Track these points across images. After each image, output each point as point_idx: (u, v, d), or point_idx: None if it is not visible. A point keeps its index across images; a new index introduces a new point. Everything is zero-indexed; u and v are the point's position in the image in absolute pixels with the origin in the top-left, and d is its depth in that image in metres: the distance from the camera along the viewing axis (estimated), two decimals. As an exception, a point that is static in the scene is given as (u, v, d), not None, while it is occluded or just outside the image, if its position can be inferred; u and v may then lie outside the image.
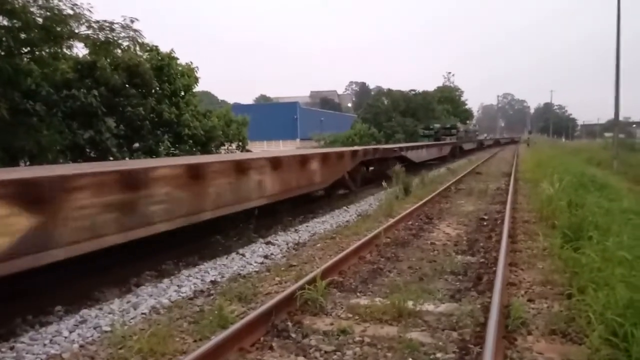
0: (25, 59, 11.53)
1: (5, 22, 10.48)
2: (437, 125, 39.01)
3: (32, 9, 10.54)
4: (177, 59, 16.74)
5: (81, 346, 4.02)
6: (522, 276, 5.53)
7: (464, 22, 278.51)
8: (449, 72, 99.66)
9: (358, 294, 5.08)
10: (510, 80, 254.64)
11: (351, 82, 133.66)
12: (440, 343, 3.80)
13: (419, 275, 5.69)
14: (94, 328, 4.41)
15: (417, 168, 19.35)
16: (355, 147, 15.40)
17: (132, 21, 12.29)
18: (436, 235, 7.95)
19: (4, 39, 10.17)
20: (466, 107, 71.86)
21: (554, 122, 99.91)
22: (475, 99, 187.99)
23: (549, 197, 9.03)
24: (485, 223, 8.96)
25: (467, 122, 65.93)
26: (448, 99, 62.71)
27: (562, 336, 3.86)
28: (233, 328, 3.75)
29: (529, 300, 4.70)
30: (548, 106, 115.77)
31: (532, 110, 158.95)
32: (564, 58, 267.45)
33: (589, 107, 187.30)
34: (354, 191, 13.64)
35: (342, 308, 4.64)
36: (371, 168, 16.63)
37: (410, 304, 4.51)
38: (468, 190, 14.04)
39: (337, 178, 11.86)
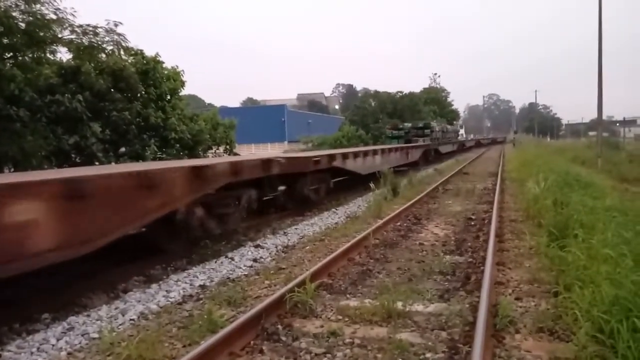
0: (8, 64, 11.38)
1: (-14, 27, 10.34)
2: (408, 125, 32.83)
3: (14, 14, 10.42)
4: (163, 62, 16.66)
5: (69, 354, 3.98)
6: (510, 275, 5.59)
7: (451, 26, 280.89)
8: (435, 74, 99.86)
9: (347, 295, 5.09)
10: (496, 81, 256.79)
11: (338, 84, 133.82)
12: (430, 343, 3.82)
13: (408, 275, 5.72)
14: (82, 335, 4.37)
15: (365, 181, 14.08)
16: (202, 161, 9.12)
17: (115, 25, 12.20)
18: (424, 236, 7.99)
19: (-15, 44, 10.07)
20: (452, 107, 72.39)
21: (539, 122, 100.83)
22: (462, 99, 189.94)
23: (535, 196, 9.13)
24: (472, 223, 9.03)
25: (454, 122, 66.33)
26: (434, 100, 63.08)
27: (549, 334, 3.90)
28: (223, 332, 3.74)
29: (517, 299, 4.75)
30: (533, 106, 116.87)
31: (517, 110, 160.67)
32: (549, 60, 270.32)
33: (573, 106, 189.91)
34: (202, 239, 7.80)
35: (331, 310, 4.65)
36: (282, 187, 10.77)
37: (399, 304, 4.52)
38: (455, 190, 14.14)
39: (142, 224, 6.25)
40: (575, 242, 5.28)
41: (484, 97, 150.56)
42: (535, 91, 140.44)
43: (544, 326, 4.01)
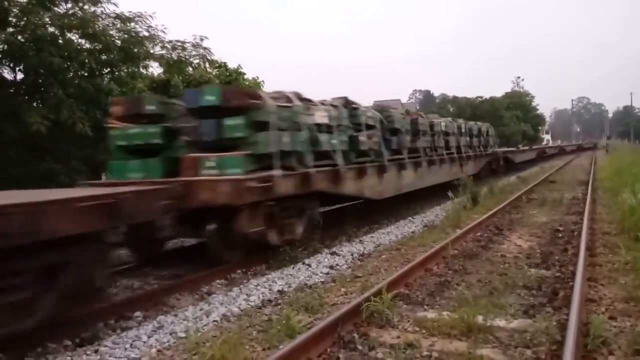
0: (105, 79, 12.33)
1: (87, 45, 11.28)
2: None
3: (111, 32, 11.29)
4: (244, 74, 17.32)
5: (158, 351, 4.22)
6: (603, 292, 5.22)
7: (532, 26, 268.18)
8: (519, 77, 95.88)
9: (425, 307, 5.00)
10: (586, 84, 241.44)
11: (415, 90, 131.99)
12: (513, 360, 3.66)
13: (489, 289, 5.50)
14: (170, 334, 4.62)
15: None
16: None
17: (201, 39, 12.85)
18: (507, 247, 7.66)
19: (86, 60, 10.96)
20: (537, 112, 68.63)
21: (635, 126, 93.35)
22: (548, 104, 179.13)
23: (631, 207, 8.47)
24: (560, 235, 8.53)
25: (540, 127, 62.72)
26: (517, 104, 60.29)
27: (648, 357, 3.60)
28: (300, 338, 3.80)
29: (611, 318, 4.42)
30: (628, 109, 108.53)
31: (610, 115, 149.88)
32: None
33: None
34: None
35: (408, 321, 4.58)
36: None
37: (480, 318, 4.36)
38: (541, 200, 13.42)
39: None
40: (679, 259, 4.85)
41: (572, 100, 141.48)
42: (631, 94, 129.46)
43: (641, 349, 3.71)
